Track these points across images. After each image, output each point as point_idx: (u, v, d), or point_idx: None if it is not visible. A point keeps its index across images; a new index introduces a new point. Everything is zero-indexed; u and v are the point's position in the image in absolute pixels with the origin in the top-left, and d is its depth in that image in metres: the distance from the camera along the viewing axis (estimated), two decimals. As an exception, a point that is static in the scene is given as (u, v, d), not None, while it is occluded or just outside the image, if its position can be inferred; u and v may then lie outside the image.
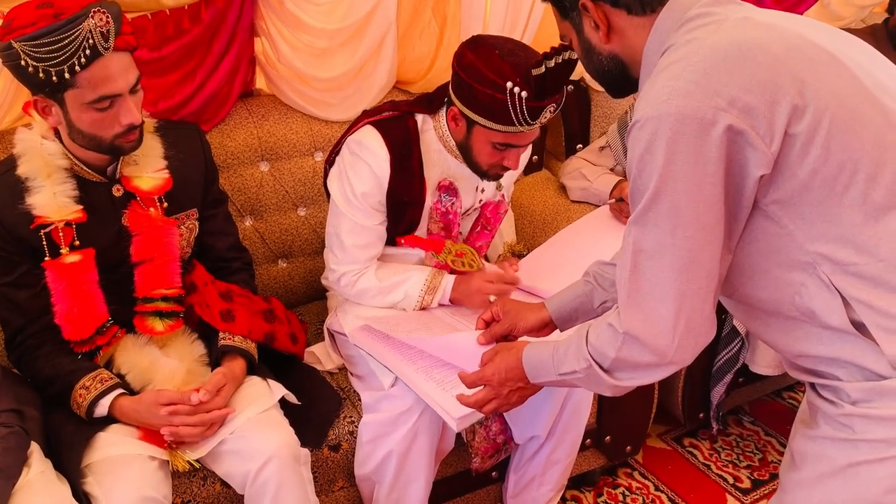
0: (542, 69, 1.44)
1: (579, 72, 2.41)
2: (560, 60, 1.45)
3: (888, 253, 0.97)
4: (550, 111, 1.55)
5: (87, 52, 1.32)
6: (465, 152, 1.67)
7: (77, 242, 1.47)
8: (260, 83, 2.10)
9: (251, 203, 2.01)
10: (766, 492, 2.19)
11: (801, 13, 2.64)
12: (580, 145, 2.45)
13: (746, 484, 2.22)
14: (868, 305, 0.98)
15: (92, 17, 1.32)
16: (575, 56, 1.44)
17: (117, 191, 1.53)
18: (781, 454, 2.31)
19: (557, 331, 1.48)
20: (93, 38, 1.32)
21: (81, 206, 1.47)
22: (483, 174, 1.69)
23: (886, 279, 0.97)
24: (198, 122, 1.87)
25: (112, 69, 1.37)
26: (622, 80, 1.16)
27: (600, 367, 1.13)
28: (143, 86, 1.77)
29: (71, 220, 1.46)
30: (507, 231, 2.11)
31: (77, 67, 1.33)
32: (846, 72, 0.99)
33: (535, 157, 2.44)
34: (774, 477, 2.23)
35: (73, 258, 1.46)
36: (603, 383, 1.14)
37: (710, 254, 0.99)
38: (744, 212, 1.00)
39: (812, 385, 1.11)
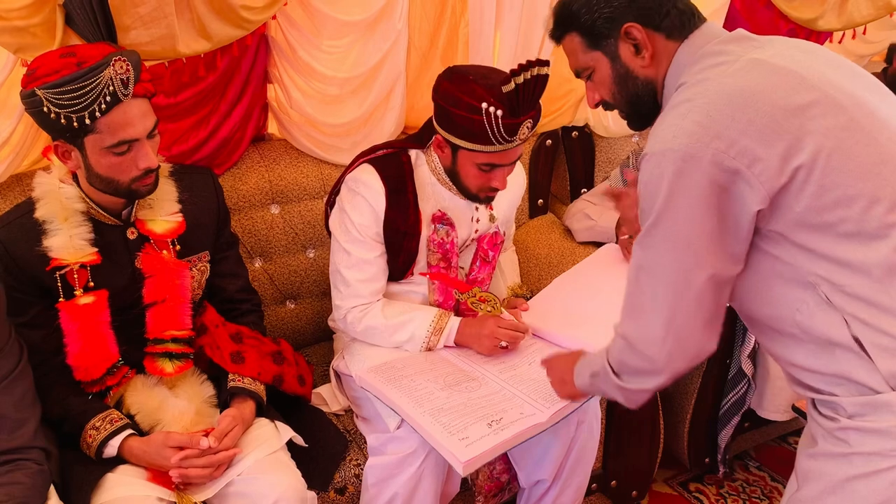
0: (512, 85, 1.51)
1: (583, 118, 2.47)
2: (529, 76, 1.51)
3: (880, 275, 1.03)
4: (528, 127, 1.60)
5: (108, 98, 1.37)
6: (454, 178, 1.72)
7: (91, 284, 1.50)
8: (272, 128, 2.15)
9: (261, 245, 2.04)
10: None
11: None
12: (584, 189, 2.49)
13: (754, 530, 2.21)
14: (864, 323, 1.04)
15: (113, 65, 1.37)
16: (546, 72, 1.53)
17: (131, 234, 1.57)
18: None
19: (537, 391, 1.59)
20: (113, 85, 1.37)
21: (96, 249, 1.50)
22: (474, 198, 1.74)
23: (879, 299, 1.03)
24: (211, 165, 1.92)
25: (131, 115, 1.42)
26: (651, 107, 1.22)
27: (611, 368, 1.23)
28: (159, 130, 1.84)
29: (86, 262, 1.49)
30: (510, 274, 2.13)
31: (98, 113, 1.37)
32: (844, 113, 1.04)
33: (541, 200, 2.47)
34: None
35: (87, 300, 1.49)
36: (614, 386, 1.24)
37: (699, 277, 1.07)
38: (744, 241, 1.08)
39: (812, 402, 1.16)
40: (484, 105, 1.53)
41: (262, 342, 1.70)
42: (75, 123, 1.37)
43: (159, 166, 1.51)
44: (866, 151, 1.03)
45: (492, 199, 1.77)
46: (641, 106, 1.22)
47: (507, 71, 1.54)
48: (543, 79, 1.55)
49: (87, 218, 1.51)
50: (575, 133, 2.47)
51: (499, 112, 1.53)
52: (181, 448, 1.44)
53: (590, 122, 2.48)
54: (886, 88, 1.14)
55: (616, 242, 2.13)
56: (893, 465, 1.02)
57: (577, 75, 1.26)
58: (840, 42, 2.70)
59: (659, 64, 1.17)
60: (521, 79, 1.51)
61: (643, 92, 1.20)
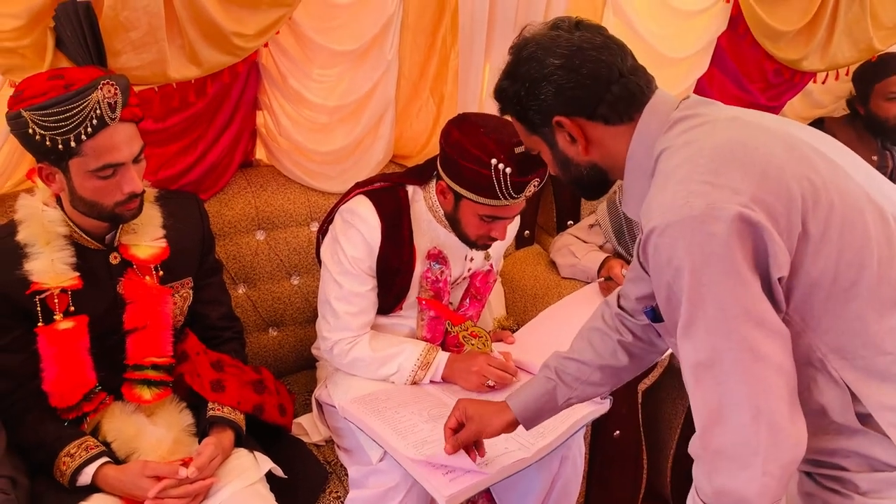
0: (524, 147, 1.49)
1: (571, 151, 2.48)
2: (533, 153, 1.50)
3: (894, 347, 0.98)
4: (534, 185, 1.59)
5: (94, 121, 1.36)
6: (454, 223, 1.71)
7: (72, 308, 1.47)
8: (260, 154, 2.15)
9: (245, 271, 2.02)
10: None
11: (785, 102, 2.75)
12: (571, 221, 2.49)
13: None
14: (877, 400, 0.99)
15: (101, 88, 1.36)
16: None
17: (114, 258, 1.55)
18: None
19: (522, 427, 1.44)
20: (100, 108, 1.36)
21: (78, 274, 1.48)
22: (471, 244, 1.73)
23: (893, 372, 0.98)
24: (197, 190, 1.91)
25: (117, 139, 1.41)
26: (600, 185, 1.18)
27: None
28: (146, 155, 1.82)
29: (67, 286, 1.47)
30: (496, 305, 2.13)
31: (83, 136, 1.36)
32: (840, 170, 1.01)
33: (527, 231, 2.48)
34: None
35: (67, 325, 1.46)
36: None
37: (773, 347, 0.95)
38: (780, 304, 0.97)
39: (809, 475, 1.11)
40: (493, 161, 1.53)
41: (242, 371, 1.68)
42: (60, 146, 1.36)
43: (144, 191, 1.50)
44: (870, 208, 1.00)
45: (489, 246, 1.77)
46: (588, 185, 1.18)
47: None
48: None
49: (70, 242, 1.49)
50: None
51: (508, 170, 1.53)
52: (158, 477, 1.41)
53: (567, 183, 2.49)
54: (852, 152, 1.11)
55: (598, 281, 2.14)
56: None
57: (529, 151, 1.24)
58: (824, 83, 2.75)
59: (603, 148, 1.12)
60: None
61: (587, 174, 1.15)
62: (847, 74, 2.73)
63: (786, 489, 1.01)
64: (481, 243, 1.73)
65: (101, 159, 1.40)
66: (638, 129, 1.09)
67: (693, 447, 1.04)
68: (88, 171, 1.40)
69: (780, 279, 0.96)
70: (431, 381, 1.78)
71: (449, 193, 1.66)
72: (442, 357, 1.77)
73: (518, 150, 1.51)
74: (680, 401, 2.18)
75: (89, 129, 1.36)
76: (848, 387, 1.01)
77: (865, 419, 1.01)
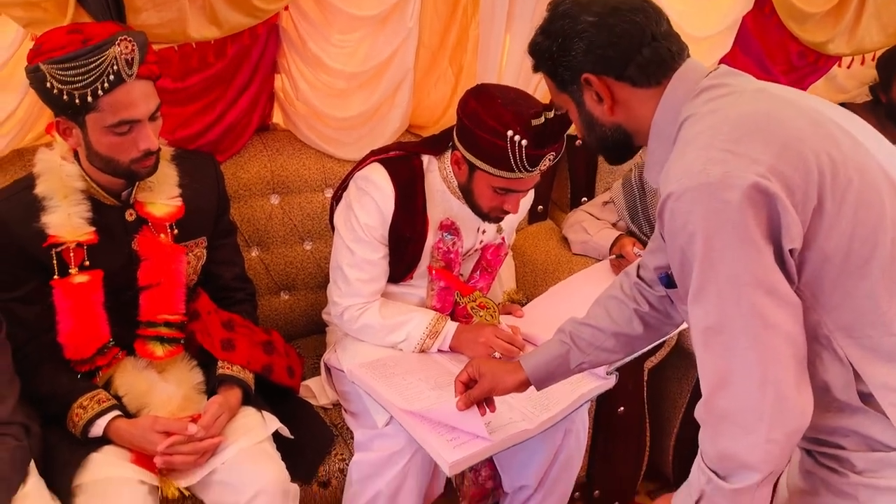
0: (542, 119, 1.50)
1: (588, 127, 2.46)
2: (560, 112, 1.49)
3: None
4: (550, 159, 1.59)
5: (111, 77, 1.36)
6: (467, 195, 1.71)
7: (87, 263, 1.49)
8: (277, 118, 2.15)
9: (259, 234, 2.04)
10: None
11: (808, 85, 2.71)
12: (585, 198, 2.49)
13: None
14: (880, 380, 1.00)
15: (118, 44, 1.36)
16: None
17: (130, 215, 1.56)
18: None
19: (526, 399, 1.46)
20: (118, 64, 1.36)
21: (94, 229, 1.50)
22: (484, 216, 1.73)
23: None
24: (214, 152, 1.91)
25: (134, 95, 1.41)
26: (624, 148, 1.18)
27: (716, 474, 1.03)
28: (164, 114, 1.81)
29: (83, 241, 1.48)
30: (507, 279, 2.14)
31: (100, 92, 1.36)
32: (863, 148, 1.01)
33: (541, 206, 2.47)
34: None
35: (82, 279, 1.48)
36: (726, 497, 1.02)
37: (783, 316, 0.95)
38: (793, 277, 0.97)
39: (809, 452, 1.12)
40: (510, 133, 1.52)
41: (253, 331, 1.70)
42: (77, 100, 1.36)
43: (160, 149, 1.51)
44: (886, 186, 1.00)
45: (501, 219, 1.77)
46: (613, 148, 1.18)
47: (536, 98, 1.52)
48: None
49: (87, 197, 1.51)
50: (579, 142, 2.46)
51: (524, 142, 1.52)
52: (168, 433, 1.43)
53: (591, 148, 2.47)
54: (878, 133, 1.10)
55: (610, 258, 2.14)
56: None
57: (557, 110, 1.25)
58: (849, 67, 2.70)
59: (629, 111, 1.12)
60: (551, 114, 1.50)
61: (612, 136, 1.15)
62: (873, 60, 2.68)
63: (787, 459, 1.02)
64: (494, 216, 1.73)
65: (117, 115, 1.40)
66: (665, 94, 1.09)
67: (699, 411, 1.05)
68: (105, 126, 1.41)
69: (792, 251, 0.96)
70: (439, 351, 1.80)
71: (463, 164, 1.66)
72: (450, 327, 1.78)
73: (535, 122, 1.50)
74: (685, 381, 2.18)
75: (106, 85, 1.36)
76: (852, 365, 1.01)
77: (867, 398, 1.02)
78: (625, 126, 1.14)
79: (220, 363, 1.60)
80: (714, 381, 1.01)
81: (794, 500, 1.15)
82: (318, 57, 1.95)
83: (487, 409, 1.47)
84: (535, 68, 1.19)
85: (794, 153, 0.95)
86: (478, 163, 1.61)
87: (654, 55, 1.08)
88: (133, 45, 1.38)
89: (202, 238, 1.66)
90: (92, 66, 1.34)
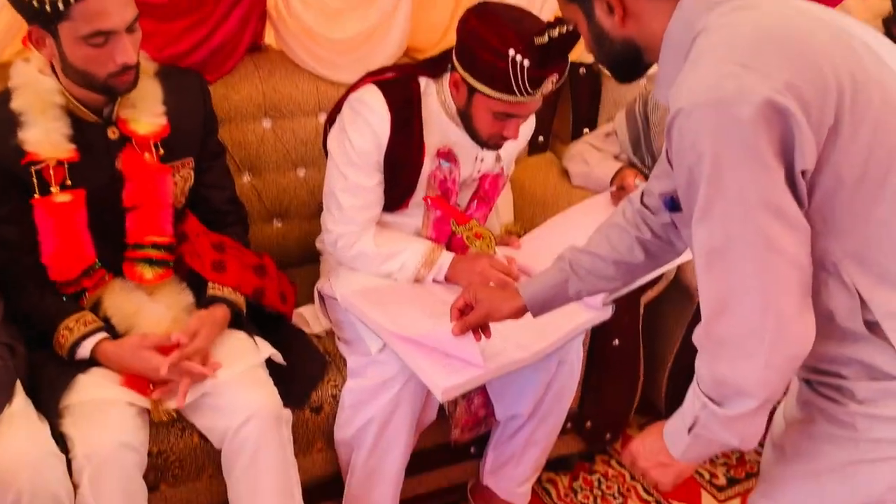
0: (546, 38, 1.43)
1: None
2: (565, 30, 1.42)
3: None
4: (553, 82, 1.53)
5: None
6: (466, 120, 1.65)
7: (69, 182, 1.44)
8: (269, 38, 2.06)
9: (250, 159, 1.99)
10: (740, 490, 2.20)
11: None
12: (587, 129, 2.43)
13: (722, 481, 2.23)
14: (887, 307, 0.98)
15: None
16: None
17: (113, 133, 1.50)
18: (759, 454, 2.32)
19: (529, 314, 1.44)
20: None
21: (75, 146, 1.44)
22: (483, 143, 1.68)
23: None
24: (203, 72, 1.84)
25: (107, 4, 1.34)
26: (634, 65, 1.12)
27: (712, 400, 1.01)
28: (151, 30, 1.75)
29: (63, 159, 1.43)
30: (504, 211, 2.10)
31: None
32: (887, 68, 0.97)
33: (541, 137, 2.41)
34: (750, 476, 2.24)
35: (64, 198, 1.44)
36: (721, 423, 1.02)
37: (789, 240, 0.92)
38: (803, 199, 0.93)
39: (808, 382, 1.11)
40: (511, 52, 1.45)
41: (244, 254, 1.66)
42: (48, 7, 1.29)
43: (139, 63, 1.44)
44: None
45: (500, 147, 1.71)
46: (622, 64, 1.12)
47: (542, 19, 1.45)
48: (577, 33, 1.46)
49: (66, 113, 1.45)
50: (582, 70, 2.39)
51: (525, 62, 1.45)
52: (160, 349, 1.41)
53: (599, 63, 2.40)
54: (891, 43, 1.06)
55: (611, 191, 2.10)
56: None
57: (567, 24, 1.19)
58: (863, -3, 2.61)
59: (640, 23, 1.05)
60: (556, 32, 1.42)
61: (621, 51, 1.08)
62: (888, -10, 2.59)
63: (784, 387, 1.01)
64: (493, 143, 1.68)
65: (91, 24, 1.33)
66: (680, 5, 1.02)
67: (697, 335, 1.03)
68: (78, 36, 1.34)
69: (804, 172, 0.93)
70: (434, 281, 1.77)
71: (462, 86, 1.60)
72: (446, 257, 1.75)
73: (538, 40, 1.43)
74: (682, 316, 2.17)
75: None
76: (859, 293, 0.98)
77: (872, 327, 0.99)
78: (636, 40, 1.07)
79: (210, 285, 1.57)
80: (714, 304, 0.98)
81: (791, 429, 1.14)
82: (311, -28, 1.86)
83: (483, 336, 1.45)
84: None
85: (812, 69, 0.90)
86: (477, 85, 1.55)
87: None
88: None
89: (189, 159, 1.61)
90: None
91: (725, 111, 0.89)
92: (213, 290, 1.56)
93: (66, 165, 1.44)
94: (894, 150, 0.94)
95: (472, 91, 1.58)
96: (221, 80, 1.93)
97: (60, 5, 1.29)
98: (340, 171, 1.69)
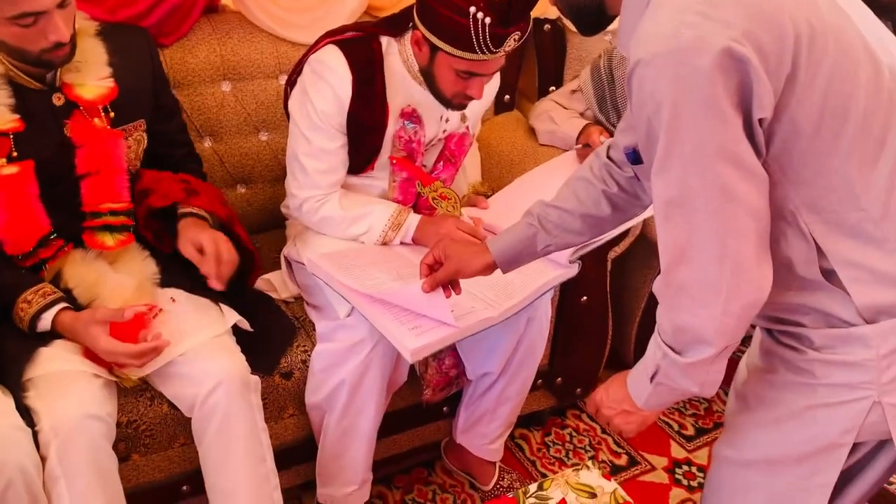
0: None
1: (556, 11, 2.36)
2: None
3: (868, 203, 0.97)
4: (515, 39, 1.51)
5: None
6: (429, 79, 1.63)
7: (15, 154, 1.40)
8: (225, -1, 2.02)
9: (210, 124, 1.94)
10: (708, 439, 2.25)
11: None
12: (553, 87, 2.41)
13: (690, 431, 2.29)
14: (843, 256, 0.99)
15: None
16: None
17: (58, 99, 1.45)
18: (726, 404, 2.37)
19: (499, 271, 1.45)
20: None
21: (18, 116, 1.40)
22: (447, 103, 1.66)
23: (863, 229, 0.98)
24: (158, 34, 1.80)
25: None
26: (597, 16, 1.11)
27: (672, 349, 1.04)
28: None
29: (7, 129, 1.38)
30: (472, 171, 2.09)
31: None
32: (845, 16, 0.97)
33: (507, 96, 2.40)
34: (718, 426, 2.30)
35: (11, 170, 1.39)
36: (681, 371, 1.04)
37: (747, 188, 0.93)
38: (761, 148, 0.94)
39: (769, 332, 1.13)
40: (472, 9, 1.42)
41: (209, 187, 1.66)
42: None
43: (74, 35, 1.39)
44: (865, 57, 0.96)
45: (464, 106, 1.69)
46: (585, 16, 1.12)
47: None
48: None
49: (6, 81, 1.40)
50: (547, 26, 2.37)
51: (487, 19, 1.43)
52: (112, 327, 1.38)
53: (563, 17, 2.38)
54: (863, 4, 1.06)
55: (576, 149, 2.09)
56: (861, 396, 1.02)
57: None
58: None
59: None
60: None
61: (584, 2, 1.09)
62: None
63: (742, 333, 1.03)
64: (457, 102, 1.66)
65: (17, 6, 1.28)
66: None
67: (657, 285, 1.05)
68: (5, 17, 1.29)
69: (761, 121, 0.93)
70: (402, 243, 1.76)
71: (424, 45, 1.57)
72: (413, 219, 1.74)
73: None
74: (648, 271, 2.20)
75: None
76: (815, 241, 1.00)
77: (828, 274, 1.01)
78: None
79: (180, 208, 1.55)
80: (673, 254, 1.00)
81: (752, 378, 1.17)
82: (266, -73, 1.81)
83: (452, 292, 1.46)
84: None
85: (770, 18, 0.90)
86: (439, 43, 1.52)
87: None
88: None
89: (140, 121, 1.57)
90: None
91: (684, 60, 0.89)
92: (185, 208, 1.55)
93: (10, 136, 1.39)
94: (850, 99, 0.95)
95: (434, 50, 1.55)
96: (178, 43, 1.88)
97: None
98: (303, 134, 1.66)
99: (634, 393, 1.15)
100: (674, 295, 1.02)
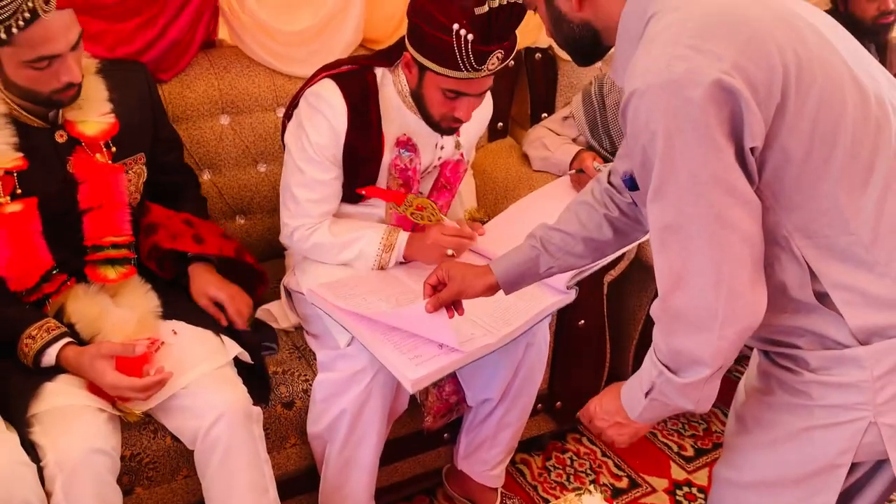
0: (486, 8, 1.46)
1: (547, 39, 2.40)
2: (505, 2, 1.46)
3: (857, 228, 1.00)
4: (498, 58, 1.55)
5: (27, 14, 1.28)
6: (419, 102, 1.67)
7: (19, 191, 1.42)
8: (223, 34, 2.05)
9: (210, 157, 1.97)
10: (708, 460, 2.26)
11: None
12: (545, 114, 2.45)
13: (690, 452, 2.29)
14: (835, 279, 1.02)
15: None
16: (522, 1, 1.45)
17: (60, 137, 1.48)
18: (725, 425, 2.38)
19: (500, 294, 1.47)
20: (33, 2, 1.28)
21: (22, 154, 1.42)
22: (436, 126, 1.69)
23: (854, 252, 1.01)
24: (157, 70, 1.83)
25: (52, 30, 1.32)
26: (592, 47, 1.16)
27: (668, 368, 1.07)
28: (103, 30, 1.72)
29: (11, 168, 1.41)
30: (467, 197, 2.11)
31: (14, 29, 1.28)
32: (829, 45, 1.01)
33: (500, 123, 2.43)
34: (717, 446, 2.30)
35: (15, 208, 1.42)
36: (677, 390, 1.07)
37: (740, 215, 0.96)
38: (753, 176, 0.97)
39: (766, 353, 1.15)
40: (455, 26, 1.47)
41: (209, 224, 1.71)
42: None
43: (83, 77, 1.43)
44: (851, 86, 0.99)
45: (454, 130, 1.72)
46: (580, 47, 1.16)
47: None
48: (520, 8, 1.49)
49: (10, 121, 1.43)
50: (538, 55, 2.41)
51: (469, 36, 1.47)
52: (118, 362, 1.40)
53: (554, 45, 2.42)
54: (846, 32, 1.10)
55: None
56: (857, 417, 1.04)
57: (527, 7, 1.23)
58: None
59: (597, 7, 1.09)
60: (496, 2, 1.45)
61: (580, 34, 1.13)
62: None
63: (736, 354, 1.05)
64: (445, 125, 1.68)
65: (35, 51, 1.32)
66: None
67: (654, 309, 1.07)
68: (22, 61, 1.33)
69: (753, 150, 0.96)
70: (400, 264, 1.78)
71: (413, 66, 1.61)
72: (403, 236, 1.75)
73: (479, 10, 1.46)
74: (644, 294, 2.21)
75: (21, 22, 1.28)
76: (808, 265, 1.02)
77: (822, 297, 1.04)
78: (592, 23, 1.11)
79: (190, 254, 1.62)
80: (670, 280, 1.02)
81: (750, 400, 1.19)
82: (262, -35, 1.85)
83: (456, 313, 1.48)
84: None
85: (758, 49, 0.94)
86: (426, 62, 1.57)
87: None
88: None
89: (140, 154, 1.60)
90: (6, 2, 1.25)
91: (677, 92, 0.92)
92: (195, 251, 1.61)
93: (14, 175, 1.42)
94: (838, 126, 0.98)
95: (422, 70, 1.59)
96: (176, 78, 1.91)
97: (3, 34, 1.28)
98: (297, 165, 1.69)
99: (628, 406, 1.17)
100: (671, 320, 1.05)
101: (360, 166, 1.71)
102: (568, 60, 2.43)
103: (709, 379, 1.05)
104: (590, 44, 1.14)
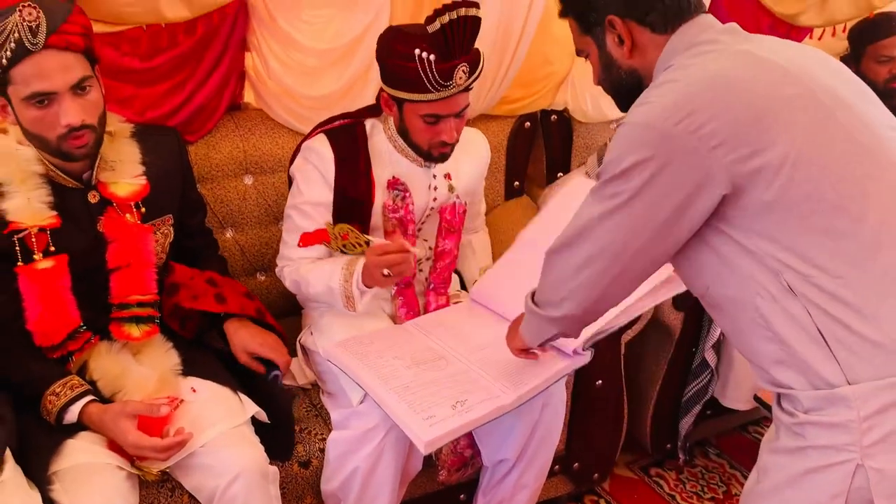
0: (437, 25, 1.52)
1: (563, 101, 2.46)
2: (456, 16, 1.52)
3: (845, 271, 1.04)
4: (463, 71, 1.60)
5: (13, 46, 1.33)
6: (405, 136, 1.74)
7: (52, 248, 1.46)
8: (248, 97, 2.12)
9: (233, 215, 2.02)
10: (728, 524, 2.22)
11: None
12: (561, 173, 2.49)
13: (710, 515, 2.25)
14: (826, 314, 1.05)
15: (19, 12, 1.32)
16: (475, 13, 1.56)
17: (93, 197, 1.53)
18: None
19: (504, 374, 1.58)
20: (19, 32, 1.32)
21: (56, 213, 1.47)
22: (427, 155, 1.75)
23: (842, 294, 1.04)
24: (184, 133, 1.89)
25: (46, 66, 1.36)
26: (635, 92, 1.23)
27: (531, 294, 1.32)
28: (132, 94, 1.78)
29: (45, 225, 1.45)
30: (482, 255, 2.13)
31: (3, 61, 1.34)
32: (822, 109, 1.07)
33: (517, 182, 2.47)
34: (738, 510, 2.26)
35: (46, 264, 1.45)
36: (532, 312, 1.32)
37: (635, 245, 1.12)
38: (689, 231, 1.11)
39: (777, 396, 1.17)
40: (416, 51, 1.55)
41: (232, 283, 1.74)
42: None
43: (96, 127, 1.46)
44: (842, 146, 1.05)
45: (446, 155, 1.76)
46: (626, 93, 1.25)
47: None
48: (473, 20, 1.57)
49: (46, 181, 1.48)
50: (554, 117, 2.47)
51: (431, 56, 1.55)
52: (140, 420, 1.41)
53: (569, 106, 2.48)
54: (867, 87, 1.16)
55: None
56: (845, 458, 1.04)
57: (578, 54, 1.32)
58: (820, 38, 2.72)
59: (644, 55, 1.20)
60: (446, 18, 1.52)
61: (627, 80, 1.24)
62: (844, 31, 2.70)
63: (583, 315, 1.27)
64: (437, 153, 1.73)
65: (29, 86, 1.37)
66: (670, 41, 1.17)
67: (548, 248, 1.23)
68: (21, 98, 1.38)
69: (725, 195, 1.06)
70: (417, 325, 1.79)
71: (392, 104, 1.69)
72: (360, 264, 1.69)
73: (430, 27, 1.53)
74: (662, 353, 2.21)
75: (8, 53, 1.33)
76: (800, 299, 1.06)
77: (815, 331, 1.06)
78: (639, 70, 1.22)
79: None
80: (566, 239, 1.19)
81: (762, 449, 1.20)
82: (288, 34, 1.92)
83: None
84: (563, 12, 1.28)
85: (735, 114, 1.04)
86: (399, 94, 1.64)
87: (674, 3, 1.17)
88: (37, 13, 1.33)
89: (168, 216, 1.64)
90: None
91: (649, 139, 1.06)
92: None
93: (48, 232, 1.46)
94: (821, 184, 1.04)
95: (399, 103, 1.67)
96: (202, 140, 1.98)
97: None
98: (287, 211, 1.79)
99: (523, 330, 1.42)
100: (547, 263, 1.25)
101: (351, 208, 1.76)
102: (583, 122, 2.50)
103: (555, 320, 1.28)
104: (634, 90, 1.23)
